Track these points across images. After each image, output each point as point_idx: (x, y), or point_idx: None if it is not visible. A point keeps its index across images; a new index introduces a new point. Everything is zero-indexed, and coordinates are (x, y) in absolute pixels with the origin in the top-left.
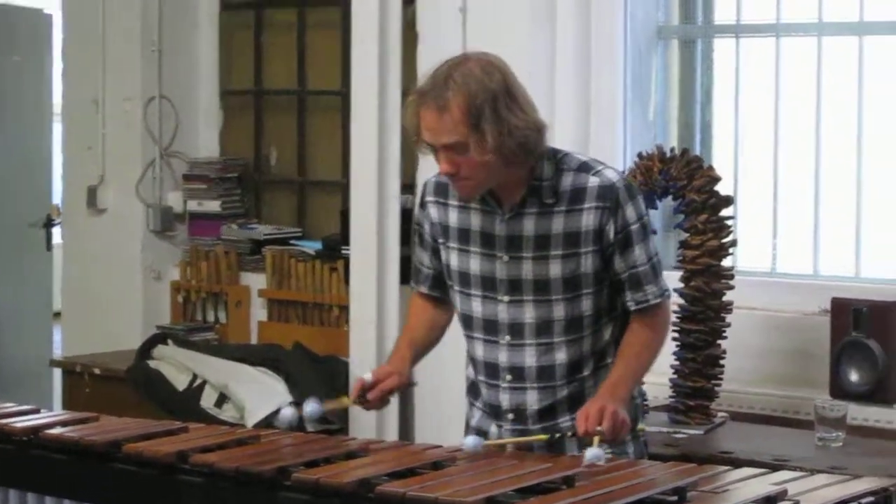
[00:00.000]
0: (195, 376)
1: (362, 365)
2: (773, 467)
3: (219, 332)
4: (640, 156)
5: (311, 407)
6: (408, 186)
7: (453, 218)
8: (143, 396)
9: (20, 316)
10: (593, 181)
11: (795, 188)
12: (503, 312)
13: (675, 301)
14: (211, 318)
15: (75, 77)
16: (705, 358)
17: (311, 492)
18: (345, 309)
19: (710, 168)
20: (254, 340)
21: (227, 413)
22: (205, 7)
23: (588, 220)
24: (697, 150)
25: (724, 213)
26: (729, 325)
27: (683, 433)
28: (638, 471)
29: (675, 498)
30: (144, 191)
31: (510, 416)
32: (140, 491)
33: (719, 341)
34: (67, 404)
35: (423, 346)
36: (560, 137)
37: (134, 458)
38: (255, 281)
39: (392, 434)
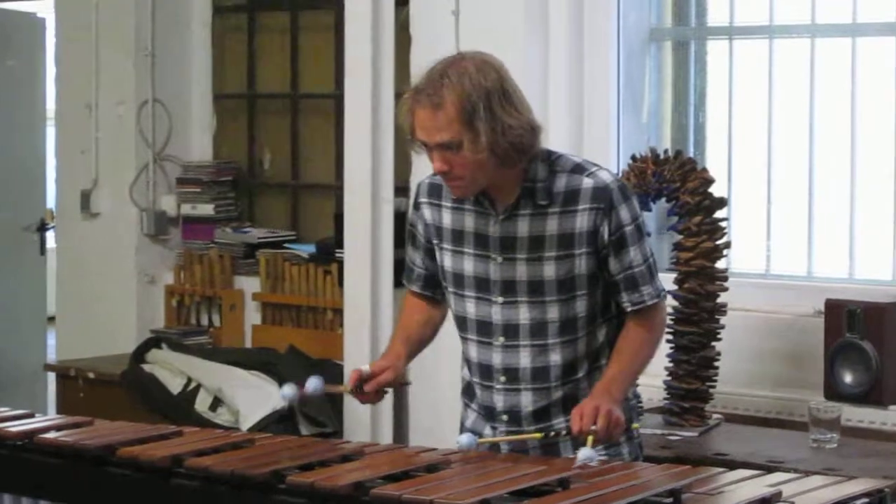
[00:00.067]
0: (189, 380)
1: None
2: (768, 469)
3: (213, 336)
4: (633, 158)
5: (313, 383)
6: (401, 189)
7: (447, 219)
8: (138, 400)
9: (14, 320)
10: (587, 183)
11: (789, 190)
12: (497, 314)
13: (669, 303)
14: (205, 321)
15: (69, 81)
16: (699, 360)
17: (306, 495)
18: (339, 312)
19: (704, 170)
20: (248, 344)
21: (221, 417)
22: (197, 11)
23: (582, 221)
24: (691, 152)
25: (718, 214)
26: (723, 326)
27: (678, 435)
28: (632, 473)
29: (669, 500)
30: (138, 195)
31: (504, 417)
32: (135, 495)
33: (713, 343)
34: (62, 408)
35: (418, 343)
36: (553, 139)
37: (128, 463)
38: (249, 284)
39: (387, 436)
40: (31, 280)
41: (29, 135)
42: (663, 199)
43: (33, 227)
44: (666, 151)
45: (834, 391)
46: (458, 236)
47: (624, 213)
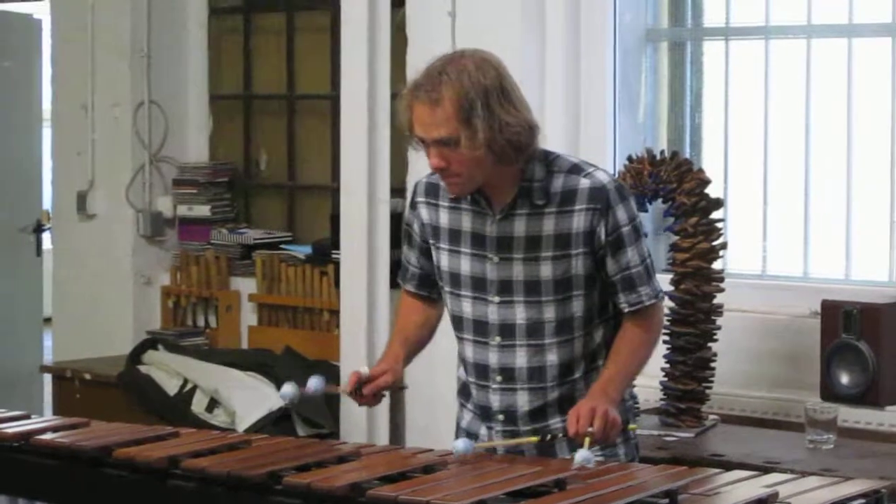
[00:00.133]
0: (186, 381)
1: (353, 369)
2: (764, 470)
3: (209, 337)
4: (629, 159)
5: (315, 383)
6: (398, 190)
7: (444, 219)
8: (134, 401)
9: (10, 321)
10: (584, 183)
11: (785, 190)
12: (493, 313)
13: (666, 304)
14: (201, 322)
15: (65, 82)
16: (696, 361)
17: (303, 496)
18: (335, 313)
19: (700, 171)
20: (244, 345)
21: (217, 418)
22: (193, 12)
23: (579, 221)
24: (687, 153)
25: (714, 215)
26: (719, 327)
27: (674, 436)
28: (629, 473)
29: (666, 500)
30: (134, 196)
31: (500, 417)
32: (131, 496)
33: (710, 344)
34: (58, 410)
35: (416, 344)
36: (550, 140)
37: (125, 464)
38: (246, 285)
39: (383, 437)
40: (28, 281)
41: (25, 136)
42: (660, 200)
43: (29, 229)
44: (662, 152)
45: (830, 392)
46: (454, 236)
47: (621, 214)
